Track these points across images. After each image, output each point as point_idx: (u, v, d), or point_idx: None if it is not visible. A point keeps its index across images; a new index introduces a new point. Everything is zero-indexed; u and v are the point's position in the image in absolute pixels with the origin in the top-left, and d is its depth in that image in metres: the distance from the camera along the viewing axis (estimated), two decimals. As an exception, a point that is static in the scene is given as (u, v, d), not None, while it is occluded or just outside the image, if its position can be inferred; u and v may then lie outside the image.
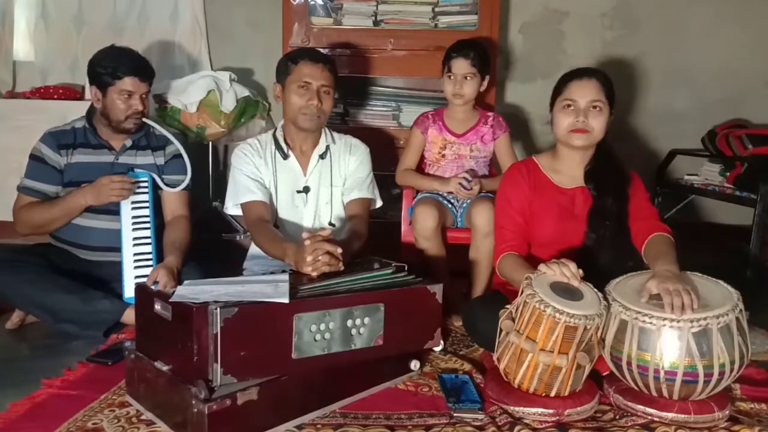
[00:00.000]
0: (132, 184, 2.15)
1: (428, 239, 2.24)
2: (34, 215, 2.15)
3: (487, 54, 2.46)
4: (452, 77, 2.40)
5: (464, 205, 2.37)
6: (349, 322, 1.56)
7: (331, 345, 1.53)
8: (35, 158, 2.18)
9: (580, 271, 1.62)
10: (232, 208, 2.15)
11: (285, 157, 2.17)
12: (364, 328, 1.58)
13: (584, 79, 1.85)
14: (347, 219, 2.18)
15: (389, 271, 1.75)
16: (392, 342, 1.64)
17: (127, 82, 2.15)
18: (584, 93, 1.83)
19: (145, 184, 2.21)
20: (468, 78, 2.39)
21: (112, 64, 2.15)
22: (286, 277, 1.61)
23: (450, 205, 2.39)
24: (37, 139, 2.21)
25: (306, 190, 2.18)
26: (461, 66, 2.38)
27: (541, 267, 1.64)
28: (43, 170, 2.17)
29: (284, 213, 2.18)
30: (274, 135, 2.20)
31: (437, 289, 1.72)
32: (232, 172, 2.17)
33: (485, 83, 2.45)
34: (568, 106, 1.85)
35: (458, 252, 2.37)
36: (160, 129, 2.27)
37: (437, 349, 1.89)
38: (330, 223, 2.19)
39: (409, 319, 1.68)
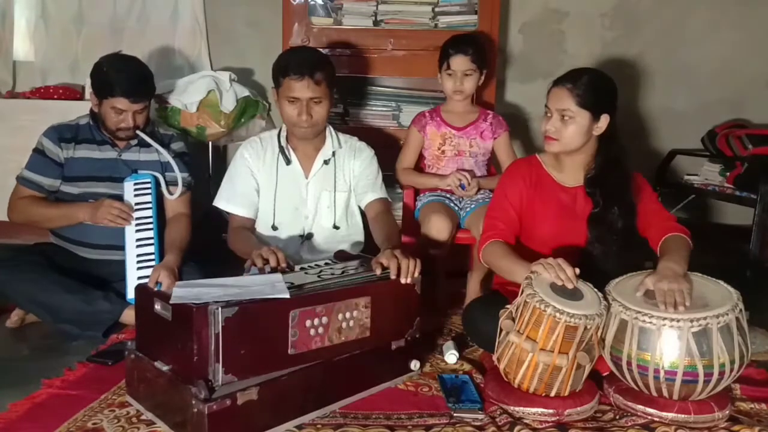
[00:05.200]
0: (130, 216, 2.15)
1: (437, 248, 2.23)
2: (32, 210, 2.18)
3: (484, 48, 2.46)
4: (452, 74, 2.40)
5: (467, 208, 2.36)
6: (340, 316, 1.58)
7: (325, 338, 1.55)
8: (37, 151, 2.21)
9: (577, 270, 1.62)
10: (222, 204, 2.18)
11: (288, 162, 2.17)
12: (353, 321, 1.61)
13: (558, 87, 1.85)
14: (373, 220, 2.17)
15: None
16: (378, 333, 1.67)
17: (120, 101, 2.14)
18: (555, 101, 1.84)
19: (149, 186, 2.21)
20: (468, 74, 2.39)
21: (108, 80, 2.14)
22: (279, 276, 1.62)
23: (454, 206, 2.39)
24: (37, 139, 2.23)
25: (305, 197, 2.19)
26: (461, 63, 2.38)
27: (538, 267, 1.63)
28: (43, 163, 2.19)
29: (282, 215, 2.17)
30: (278, 136, 2.20)
31: (416, 280, 1.75)
32: (230, 170, 2.20)
33: (483, 77, 2.46)
34: (546, 112, 1.87)
35: (458, 252, 2.37)
36: (151, 142, 2.24)
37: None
38: (335, 226, 2.19)
39: (392, 310, 1.71)
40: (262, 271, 1.70)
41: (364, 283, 1.67)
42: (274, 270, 1.69)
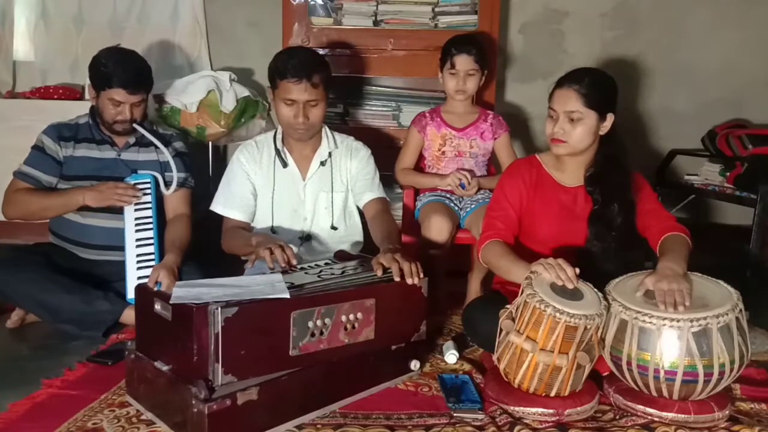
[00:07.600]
0: (137, 192, 2.16)
1: (437, 248, 2.23)
2: (29, 200, 2.16)
3: (485, 48, 2.47)
4: (455, 73, 2.40)
5: (467, 208, 2.37)
6: (344, 318, 1.57)
7: (327, 340, 1.54)
8: (36, 147, 2.21)
9: (577, 270, 1.62)
10: (218, 209, 2.18)
11: (285, 165, 2.16)
12: (357, 323, 1.60)
13: (564, 88, 1.83)
14: (372, 220, 2.16)
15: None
16: (383, 335, 1.66)
17: (117, 93, 2.14)
18: (561, 103, 1.82)
19: (148, 186, 2.21)
20: (471, 74, 2.40)
21: (106, 71, 2.14)
22: (279, 276, 1.62)
23: (454, 206, 2.38)
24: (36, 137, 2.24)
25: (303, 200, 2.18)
26: (465, 62, 2.38)
27: (538, 268, 1.63)
28: (42, 159, 2.19)
29: (280, 217, 2.17)
30: (274, 138, 2.19)
31: (422, 283, 1.74)
32: (226, 174, 2.20)
33: (483, 78, 2.46)
34: (550, 114, 1.85)
35: (458, 252, 2.37)
36: (151, 138, 2.24)
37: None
38: (333, 227, 2.19)
39: (397, 312, 1.70)
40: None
41: (369, 285, 1.66)
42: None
